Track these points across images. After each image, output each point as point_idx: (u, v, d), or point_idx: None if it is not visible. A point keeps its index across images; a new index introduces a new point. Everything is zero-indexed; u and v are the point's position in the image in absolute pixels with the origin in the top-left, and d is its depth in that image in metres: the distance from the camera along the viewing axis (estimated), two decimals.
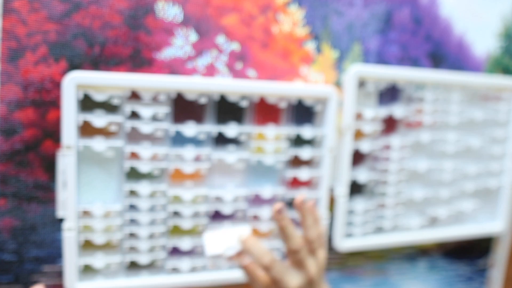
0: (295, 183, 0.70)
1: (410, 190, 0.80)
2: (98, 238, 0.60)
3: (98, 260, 0.61)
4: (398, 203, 0.78)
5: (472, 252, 0.94)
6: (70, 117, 0.56)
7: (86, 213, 0.60)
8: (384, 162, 0.76)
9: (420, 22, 0.79)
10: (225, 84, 0.62)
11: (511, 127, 0.87)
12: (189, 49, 0.63)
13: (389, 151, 0.76)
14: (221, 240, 0.58)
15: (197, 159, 0.63)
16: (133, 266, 0.64)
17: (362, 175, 0.74)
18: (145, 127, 0.60)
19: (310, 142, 0.71)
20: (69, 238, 0.58)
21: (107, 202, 0.61)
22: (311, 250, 0.57)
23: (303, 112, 0.70)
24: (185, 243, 0.64)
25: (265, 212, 0.68)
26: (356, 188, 0.77)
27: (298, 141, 0.70)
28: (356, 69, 0.70)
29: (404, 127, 0.78)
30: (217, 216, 0.67)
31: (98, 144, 0.58)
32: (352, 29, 0.73)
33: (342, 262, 0.80)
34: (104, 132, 0.59)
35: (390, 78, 0.73)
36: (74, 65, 0.58)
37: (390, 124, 0.77)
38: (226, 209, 0.65)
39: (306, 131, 0.68)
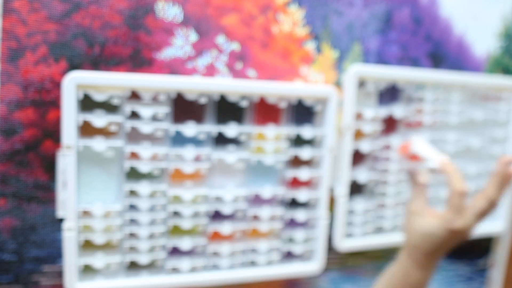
0: (295, 183, 0.70)
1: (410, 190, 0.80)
2: (98, 238, 0.60)
3: (98, 260, 0.61)
4: (398, 203, 0.78)
5: (472, 252, 0.94)
6: (70, 117, 0.56)
7: (86, 213, 0.60)
8: (384, 162, 0.76)
9: (420, 22, 0.79)
10: (225, 84, 0.62)
11: (511, 127, 0.87)
12: (189, 49, 0.63)
13: (389, 151, 0.76)
14: (427, 150, 0.66)
15: (197, 159, 0.63)
16: (133, 266, 0.64)
17: (362, 175, 0.74)
18: (145, 127, 0.60)
19: (310, 142, 0.71)
20: (69, 238, 0.58)
21: (107, 202, 0.61)
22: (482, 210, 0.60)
23: (303, 112, 0.70)
24: (185, 243, 0.64)
25: (265, 212, 0.68)
26: (356, 188, 0.77)
27: (298, 141, 0.70)
28: (356, 69, 0.70)
29: (404, 127, 0.78)
30: (217, 216, 0.67)
31: (98, 144, 0.58)
32: (352, 29, 0.73)
33: (342, 262, 0.80)
34: (104, 132, 0.59)
35: (390, 78, 0.73)
36: (74, 65, 0.58)
37: (390, 124, 0.77)
38: (226, 209, 0.65)
39: (306, 131, 0.68)
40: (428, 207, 0.63)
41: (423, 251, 0.61)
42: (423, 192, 0.63)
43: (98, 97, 0.58)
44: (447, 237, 0.59)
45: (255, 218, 0.68)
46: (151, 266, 0.65)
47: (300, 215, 0.70)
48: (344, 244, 0.74)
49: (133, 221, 0.62)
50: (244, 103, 0.65)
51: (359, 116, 0.72)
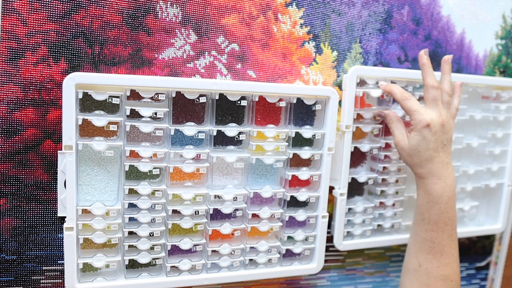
0: (295, 182, 0.70)
1: (410, 190, 0.80)
2: (98, 238, 0.60)
3: (98, 260, 0.61)
4: (398, 203, 0.79)
5: (472, 251, 0.94)
6: (70, 117, 0.56)
7: (86, 213, 0.60)
8: (384, 161, 0.76)
9: (420, 22, 0.79)
10: (225, 84, 0.62)
11: (511, 127, 0.87)
12: (189, 49, 0.63)
13: (389, 150, 0.76)
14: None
15: (197, 158, 0.63)
16: (133, 266, 0.64)
17: (362, 174, 0.74)
18: (145, 127, 0.60)
19: (310, 142, 0.71)
20: (69, 238, 0.58)
21: (107, 202, 0.61)
22: (445, 101, 0.68)
23: (303, 112, 0.70)
24: (185, 243, 0.64)
25: (265, 212, 0.68)
26: (356, 188, 0.77)
27: (298, 141, 0.70)
28: (355, 69, 0.70)
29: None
30: (217, 216, 0.67)
31: (98, 144, 0.58)
32: (352, 29, 0.73)
33: (342, 261, 0.80)
34: (104, 132, 0.60)
35: (390, 78, 0.73)
36: (74, 65, 0.58)
37: None
38: (226, 209, 0.65)
39: (306, 131, 0.68)
40: (404, 129, 0.69)
41: (426, 163, 0.67)
42: (397, 125, 0.69)
43: (98, 97, 0.58)
44: (430, 135, 0.65)
45: (255, 217, 0.68)
46: (151, 266, 0.65)
47: (299, 214, 0.70)
48: (344, 244, 0.74)
49: (132, 221, 0.62)
50: (243, 103, 0.65)
51: (359, 116, 0.72)
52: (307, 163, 0.71)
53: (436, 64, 0.81)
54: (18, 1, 0.55)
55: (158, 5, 0.61)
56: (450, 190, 0.67)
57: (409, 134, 0.67)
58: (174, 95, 0.61)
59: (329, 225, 0.74)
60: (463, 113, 0.81)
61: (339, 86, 0.73)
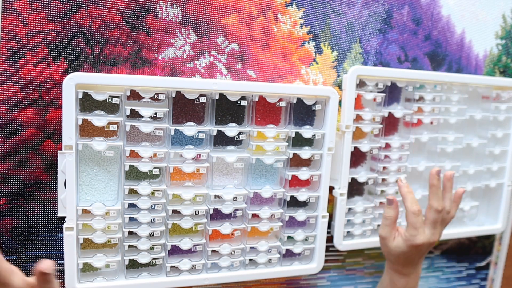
0: (295, 182, 0.70)
1: None
2: (98, 238, 0.60)
3: (98, 260, 0.61)
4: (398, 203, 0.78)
5: (472, 251, 0.94)
6: (70, 117, 0.56)
7: (86, 213, 0.60)
8: (384, 161, 0.76)
9: (420, 22, 0.79)
10: (225, 84, 0.62)
11: (511, 127, 0.87)
12: (189, 49, 0.63)
13: (389, 150, 0.76)
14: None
15: (197, 158, 0.63)
16: (133, 266, 0.64)
17: (362, 174, 0.74)
18: (145, 127, 0.60)
19: (310, 142, 0.71)
20: (69, 238, 0.58)
21: (107, 202, 0.61)
22: (443, 219, 0.67)
23: (303, 112, 0.70)
24: (185, 243, 0.64)
25: (264, 212, 0.68)
26: (356, 188, 0.77)
27: (298, 141, 0.70)
28: (355, 69, 0.70)
29: (404, 127, 0.78)
30: (217, 216, 0.67)
31: (98, 143, 0.58)
32: (352, 29, 0.73)
33: (342, 261, 0.80)
34: (104, 132, 0.60)
35: (390, 78, 0.73)
36: (74, 65, 0.58)
37: (390, 124, 0.77)
38: (226, 209, 0.65)
39: (306, 131, 0.68)
40: (394, 230, 0.68)
41: (400, 265, 0.69)
42: (389, 223, 0.68)
43: (98, 97, 0.58)
44: (414, 251, 0.66)
45: (255, 217, 0.68)
46: (151, 266, 0.65)
47: (299, 214, 0.70)
48: (344, 244, 0.74)
49: (132, 221, 0.62)
50: (243, 103, 0.65)
51: (358, 116, 0.72)
52: (307, 163, 0.71)
53: (435, 64, 0.81)
54: (18, 1, 0.55)
55: (158, 5, 0.61)
56: (414, 282, 0.70)
57: (396, 235, 0.68)
58: (174, 95, 0.61)
59: (329, 225, 0.74)
60: (463, 113, 0.81)
61: (339, 86, 0.73)
